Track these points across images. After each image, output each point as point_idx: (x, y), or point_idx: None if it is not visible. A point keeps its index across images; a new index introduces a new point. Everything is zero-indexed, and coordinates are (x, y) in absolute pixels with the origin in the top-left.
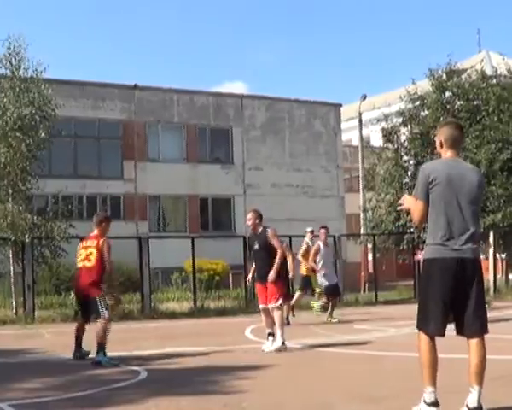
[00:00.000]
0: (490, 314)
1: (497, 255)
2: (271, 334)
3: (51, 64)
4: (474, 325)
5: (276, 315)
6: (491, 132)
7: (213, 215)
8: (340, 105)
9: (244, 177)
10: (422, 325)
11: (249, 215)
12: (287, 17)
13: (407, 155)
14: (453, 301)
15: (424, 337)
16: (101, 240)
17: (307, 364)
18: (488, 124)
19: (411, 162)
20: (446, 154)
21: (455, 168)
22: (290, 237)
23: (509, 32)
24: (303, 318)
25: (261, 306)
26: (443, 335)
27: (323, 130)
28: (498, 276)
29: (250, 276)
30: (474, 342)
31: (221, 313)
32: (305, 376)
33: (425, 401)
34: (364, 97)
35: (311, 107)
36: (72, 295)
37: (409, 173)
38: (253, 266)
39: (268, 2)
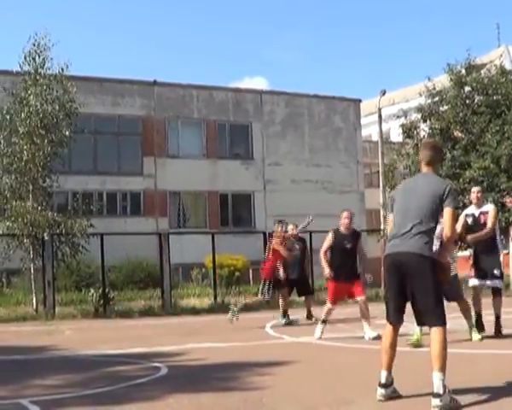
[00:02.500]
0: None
1: None
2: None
3: (70, 60)
4: (428, 316)
5: (366, 307)
6: (509, 127)
7: (233, 211)
8: (360, 100)
9: (264, 172)
10: (386, 314)
11: (346, 214)
12: (307, 13)
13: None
14: (404, 292)
15: (386, 325)
16: None
17: (328, 359)
18: (509, 119)
19: None
20: (423, 169)
21: (412, 183)
22: (310, 233)
23: None
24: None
25: (331, 305)
26: (397, 323)
27: (343, 125)
28: None
29: (330, 271)
30: (432, 331)
31: (241, 308)
32: (325, 371)
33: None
34: (384, 93)
35: (331, 102)
36: (93, 291)
37: None
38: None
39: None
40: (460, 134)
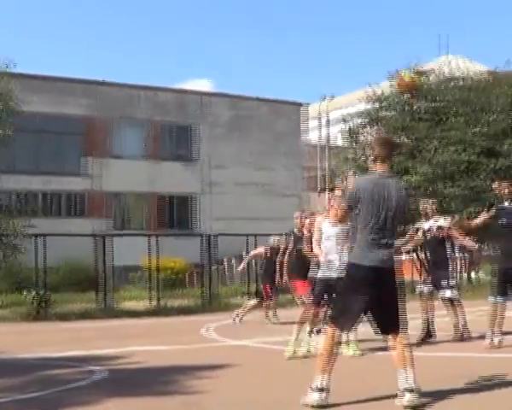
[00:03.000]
0: None
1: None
2: None
3: (14, 58)
4: (395, 324)
5: None
6: (454, 134)
7: (175, 213)
8: (303, 104)
9: (206, 175)
10: (334, 319)
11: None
12: (254, 16)
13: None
14: (368, 303)
15: (330, 330)
16: None
17: (268, 362)
18: (450, 126)
19: None
20: (378, 169)
21: (382, 188)
22: (255, 236)
23: (472, 36)
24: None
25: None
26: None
27: (286, 129)
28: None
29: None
30: (398, 337)
31: (182, 311)
32: (265, 374)
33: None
34: (327, 98)
35: (275, 105)
36: (34, 293)
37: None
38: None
39: (236, 2)
40: (405, 140)
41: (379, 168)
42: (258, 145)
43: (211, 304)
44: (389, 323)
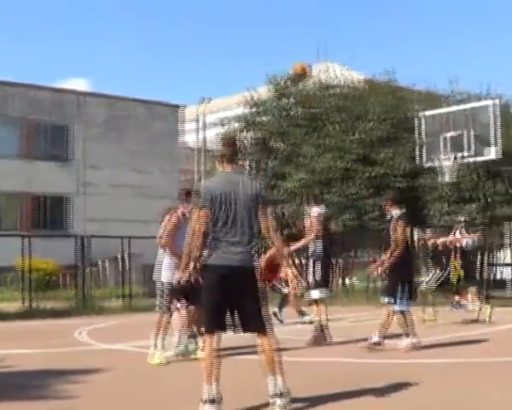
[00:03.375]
0: None
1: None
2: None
3: None
4: (257, 324)
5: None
6: (331, 141)
7: (49, 213)
8: (181, 106)
9: (82, 175)
10: (208, 326)
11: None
12: (132, 16)
13: (245, 159)
14: (229, 302)
15: (209, 337)
16: None
17: (143, 366)
18: (327, 132)
19: (250, 167)
20: (226, 168)
21: (231, 185)
22: (129, 239)
23: (351, 44)
24: (139, 319)
25: None
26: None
27: (163, 131)
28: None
29: None
30: (264, 338)
31: (54, 314)
32: (139, 379)
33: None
34: (205, 100)
35: (152, 107)
36: None
37: None
38: None
39: (114, 1)
40: (281, 145)
41: (226, 167)
42: (134, 146)
43: (85, 307)
44: (252, 323)
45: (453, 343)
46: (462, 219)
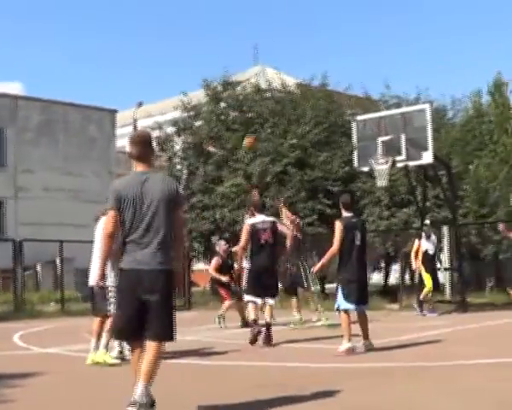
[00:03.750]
0: None
1: None
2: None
3: None
4: (157, 329)
5: None
6: (265, 145)
7: None
8: (116, 111)
9: (15, 179)
10: (118, 333)
11: None
12: (66, 19)
13: (180, 164)
14: (141, 307)
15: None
16: None
17: (79, 370)
18: (261, 136)
19: (184, 172)
20: (137, 167)
21: (135, 185)
22: (61, 242)
23: (284, 48)
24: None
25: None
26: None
27: (98, 135)
28: None
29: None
30: (153, 344)
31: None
32: (77, 383)
33: None
34: (140, 104)
35: (87, 111)
36: None
37: (181, 182)
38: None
39: (48, 4)
40: (213, 149)
41: (137, 167)
42: (68, 150)
43: (22, 311)
44: (151, 328)
45: (393, 347)
46: (428, 222)
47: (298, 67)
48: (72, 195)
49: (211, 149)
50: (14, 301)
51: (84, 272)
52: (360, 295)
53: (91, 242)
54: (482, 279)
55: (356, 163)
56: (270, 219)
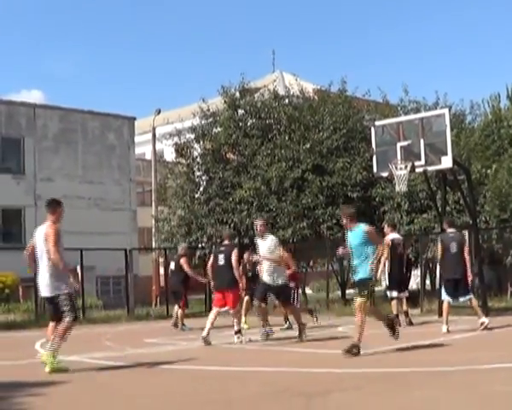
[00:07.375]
0: None
1: None
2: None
3: None
4: None
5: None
6: (282, 151)
7: (3, 226)
8: (134, 118)
9: (35, 188)
10: None
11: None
12: (86, 28)
13: (199, 170)
14: None
15: None
16: None
17: (99, 379)
18: (279, 143)
19: (203, 178)
20: None
21: None
22: (81, 250)
23: (302, 54)
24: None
25: None
26: None
27: (117, 143)
28: None
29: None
30: None
31: (10, 326)
32: (96, 391)
33: None
34: (158, 112)
35: (105, 119)
36: None
37: (201, 188)
38: None
39: (67, 14)
40: (232, 156)
41: None
42: (87, 158)
43: (44, 319)
44: None
45: (412, 352)
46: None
47: (316, 72)
48: (92, 203)
49: (231, 156)
50: (35, 310)
51: (105, 280)
52: None
53: (111, 249)
54: (504, 284)
55: (375, 169)
56: None
